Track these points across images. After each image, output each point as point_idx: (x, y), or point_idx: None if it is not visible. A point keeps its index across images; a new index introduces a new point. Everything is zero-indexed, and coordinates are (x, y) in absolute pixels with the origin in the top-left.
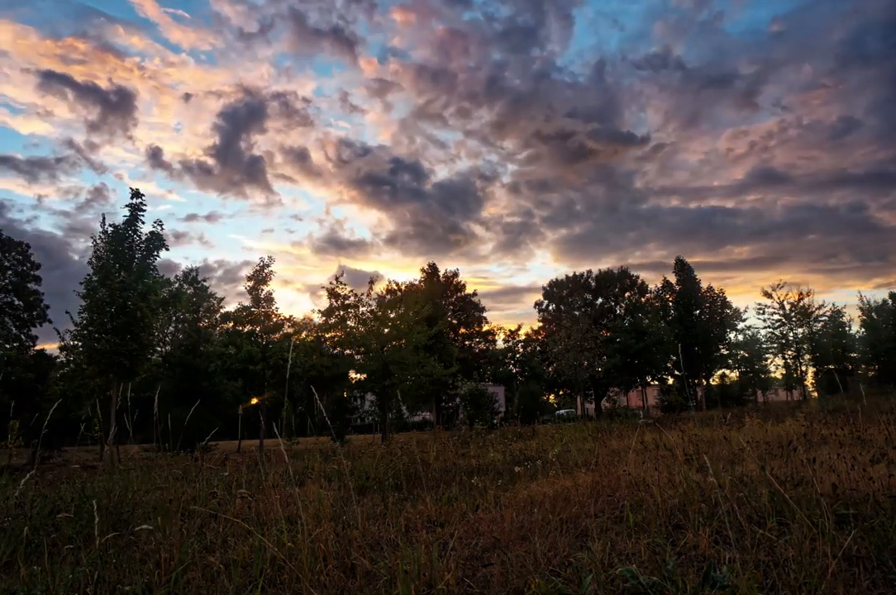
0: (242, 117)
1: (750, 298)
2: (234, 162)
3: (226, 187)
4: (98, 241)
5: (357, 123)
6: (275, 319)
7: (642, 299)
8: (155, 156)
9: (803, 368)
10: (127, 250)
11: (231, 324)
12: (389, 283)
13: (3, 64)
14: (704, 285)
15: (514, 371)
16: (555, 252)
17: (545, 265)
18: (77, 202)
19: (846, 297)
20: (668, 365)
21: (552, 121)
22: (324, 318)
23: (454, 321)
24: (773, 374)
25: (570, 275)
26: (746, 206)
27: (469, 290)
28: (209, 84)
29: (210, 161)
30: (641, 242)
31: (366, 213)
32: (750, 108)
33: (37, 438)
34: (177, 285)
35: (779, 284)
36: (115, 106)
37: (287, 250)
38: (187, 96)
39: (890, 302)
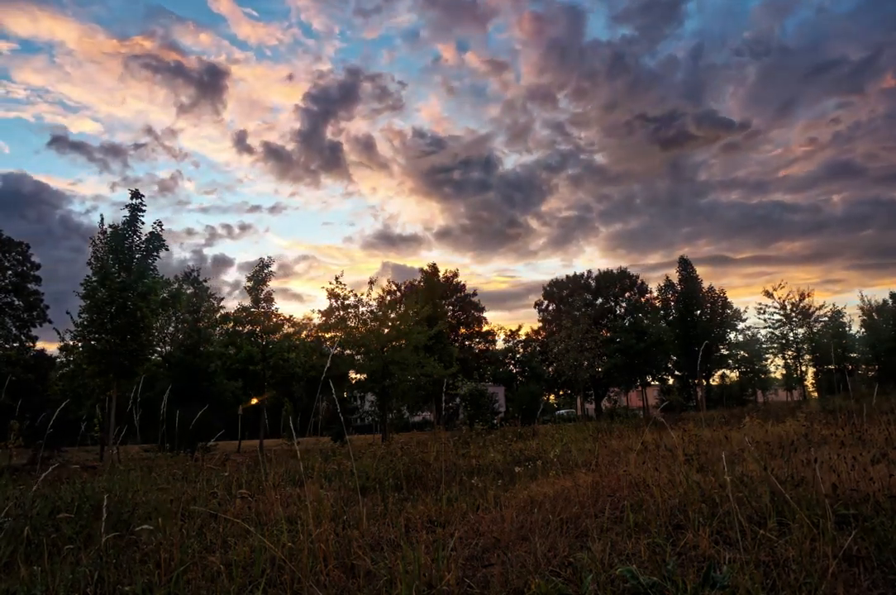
0: (319, 109)
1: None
2: (311, 151)
3: (295, 177)
4: (97, 242)
5: (428, 111)
6: (275, 319)
7: (642, 299)
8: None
9: (803, 368)
10: (127, 251)
11: (231, 324)
12: (389, 283)
13: (67, 62)
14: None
15: (514, 371)
16: (603, 248)
17: (591, 262)
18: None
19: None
20: (669, 365)
21: (638, 106)
22: (324, 319)
23: (454, 321)
24: (773, 375)
25: (571, 275)
26: (809, 201)
27: (505, 285)
28: (274, 79)
29: (287, 148)
30: (693, 238)
31: (423, 205)
32: (842, 94)
33: (38, 439)
34: (176, 285)
35: (779, 284)
36: (203, 91)
37: (338, 246)
38: (249, 91)
39: (890, 302)
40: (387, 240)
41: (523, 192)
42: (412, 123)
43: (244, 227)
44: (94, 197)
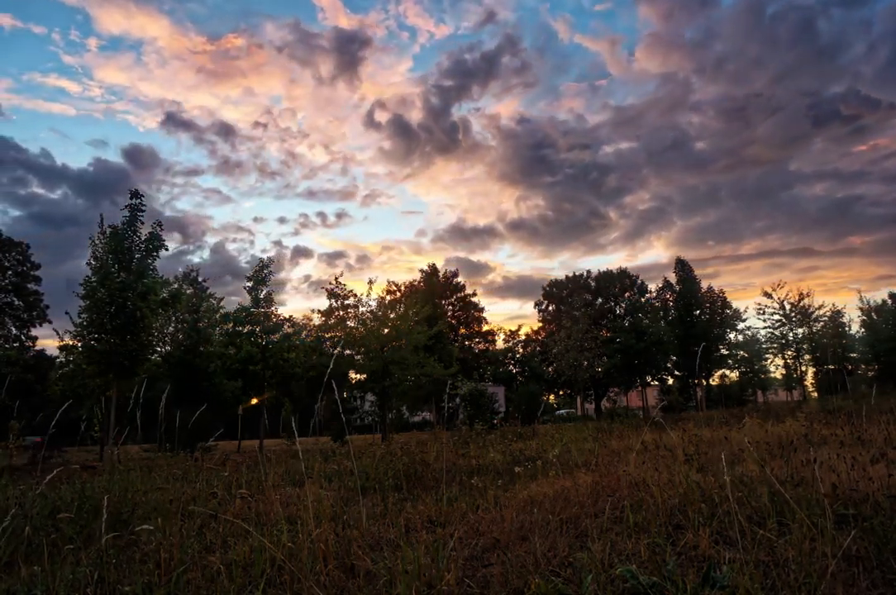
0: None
1: (830, 291)
2: (407, 140)
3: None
4: (97, 242)
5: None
6: (274, 320)
7: (642, 299)
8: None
9: (803, 368)
10: (127, 251)
11: (230, 324)
12: (389, 283)
13: (153, 60)
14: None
15: (514, 371)
16: (672, 242)
17: (657, 256)
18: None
19: None
20: (668, 365)
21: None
22: (324, 319)
23: (454, 321)
24: (772, 375)
25: (570, 275)
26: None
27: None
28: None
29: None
30: (764, 232)
31: (504, 194)
32: None
33: (36, 438)
34: (176, 285)
35: (779, 284)
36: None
37: (408, 239)
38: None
39: (890, 302)
40: (459, 233)
41: (614, 181)
42: (519, 108)
43: (340, 215)
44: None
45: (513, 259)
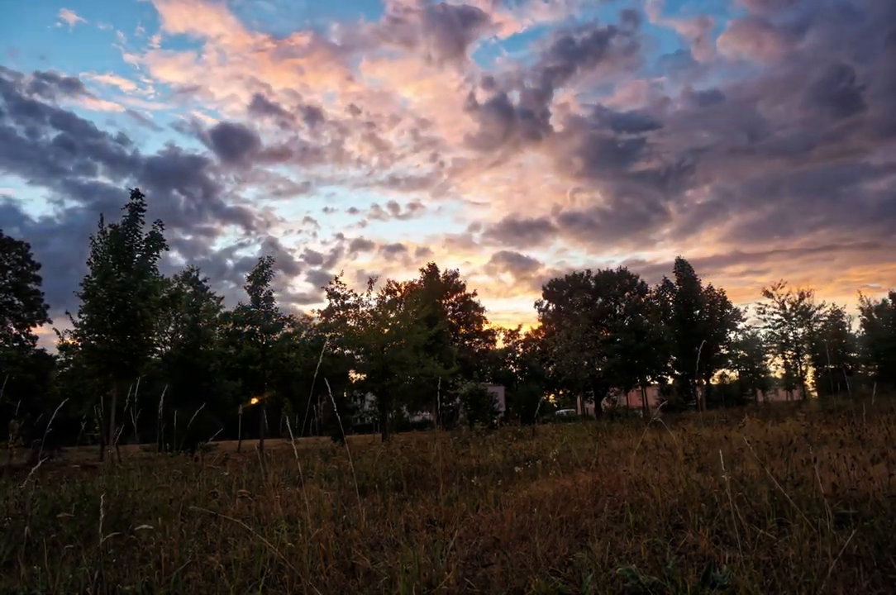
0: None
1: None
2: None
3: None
4: (97, 242)
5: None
6: (274, 319)
7: (642, 299)
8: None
9: (803, 368)
10: (127, 251)
11: (230, 324)
12: (389, 283)
13: (213, 59)
14: (705, 285)
15: (513, 371)
16: (722, 238)
17: (701, 252)
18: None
19: None
20: (668, 365)
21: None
22: (323, 318)
23: (454, 321)
24: (773, 374)
25: (570, 275)
26: None
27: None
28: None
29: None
30: (816, 227)
31: (563, 186)
32: None
33: (37, 438)
34: (176, 285)
35: (779, 284)
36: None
37: (462, 234)
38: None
39: (890, 302)
40: (511, 228)
41: (679, 174)
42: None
43: (414, 205)
44: None
45: (561, 254)
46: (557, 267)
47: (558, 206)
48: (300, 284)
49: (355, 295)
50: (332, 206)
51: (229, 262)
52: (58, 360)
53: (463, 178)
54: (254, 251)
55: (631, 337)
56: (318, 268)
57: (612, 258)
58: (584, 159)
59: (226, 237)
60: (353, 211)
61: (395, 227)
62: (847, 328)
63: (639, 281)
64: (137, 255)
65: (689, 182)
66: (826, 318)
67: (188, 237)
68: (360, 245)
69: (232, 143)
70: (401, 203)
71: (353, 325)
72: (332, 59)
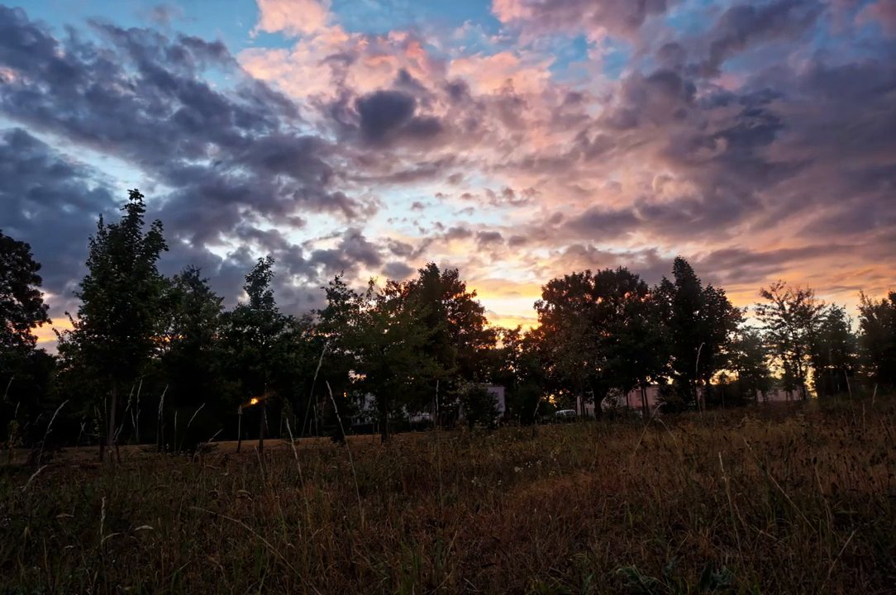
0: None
1: None
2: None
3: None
4: (96, 242)
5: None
6: (274, 320)
7: (642, 299)
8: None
9: (803, 369)
10: (126, 251)
11: (231, 324)
12: (389, 283)
13: (302, 58)
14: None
15: (513, 371)
16: (801, 232)
17: (772, 246)
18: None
19: None
20: (668, 365)
21: None
22: (323, 319)
23: (454, 321)
24: (772, 375)
25: (570, 275)
26: None
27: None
28: None
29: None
30: (889, 224)
31: (656, 174)
32: None
33: (38, 439)
34: (175, 285)
35: (778, 284)
36: None
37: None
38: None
39: (890, 302)
40: (593, 220)
41: (778, 166)
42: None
43: (532, 191)
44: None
45: (640, 247)
46: (631, 263)
47: (641, 197)
48: (370, 277)
49: (355, 295)
50: (446, 192)
51: (332, 245)
52: (58, 360)
53: (602, 160)
54: (337, 243)
55: (630, 337)
56: (402, 259)
57: (686, 249)
58: (674, 145)
59: (321, 225)
60: (467, 197)
61: (500, 213)
62: (847, 329)
63: (639, 281)
64: (137, 256)
65: (787, 173)
66: (825, 318)
67: (281, 226)
68: (458, 233)
69: (354, 124)
70: (517, 189)
71: (352, 325)
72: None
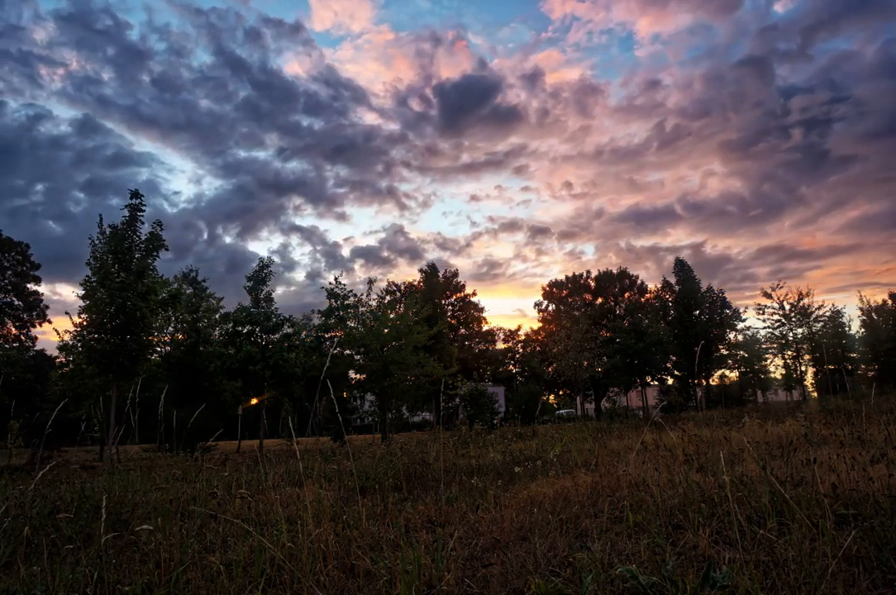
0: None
1: None
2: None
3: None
4: (96, 242)
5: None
6: (274, 320)
7: (642, 299)
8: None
9: (803, 368)
10: (126, 251)
11: (230, 324)
12: (389, 284)
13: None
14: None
15: (513, 371)
16: (838, 230)
17: (812, 246)
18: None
19: None
20: (668, 365)
21: None
22: (323, 319)
23: (454, 321)
24: (772, 375)
25: (570, 275)
26: None
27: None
28: None
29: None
30: None
31: (708, 167)
32: None
33: (37, 438)
34: (175, 285)
35: (778, 284)
36: None
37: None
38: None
39: (890, 302)
40: (634, 215)
41: (832, 160)
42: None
43: (592, 183)
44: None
45: (679, 243)
46: (669, 262)
47: (684, 192)
48: (412, 273)
49: (355, 295)
50: (505, 184)
51: (372, 241)
52: (57, 360)
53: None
54: (378, 238)
55: (630, 337)
56: (446, 254)
57: (725, 247)
58: (729, 137)
59: (368, 220)
60: (526, 189)
61: (556, 207)
62: (847, 328)
63: (638, 281)
64: (137, 256)
65: (839, 168)
66: (826, 318)
67: (324, 221)
68: (511, 226)
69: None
70: (576, 181)
71: (352, 325)
72: None
